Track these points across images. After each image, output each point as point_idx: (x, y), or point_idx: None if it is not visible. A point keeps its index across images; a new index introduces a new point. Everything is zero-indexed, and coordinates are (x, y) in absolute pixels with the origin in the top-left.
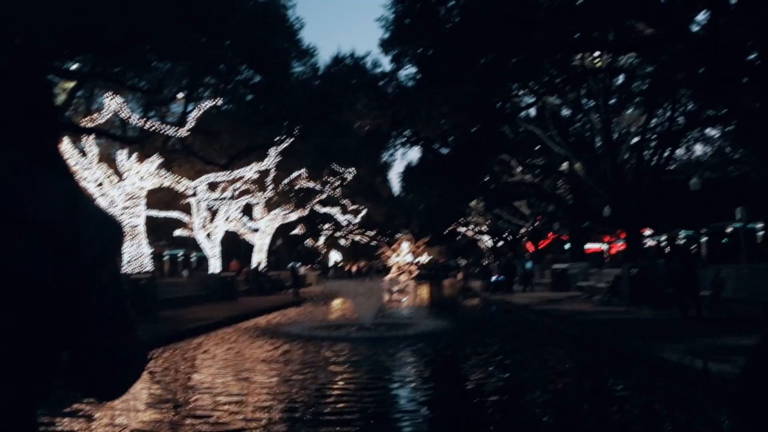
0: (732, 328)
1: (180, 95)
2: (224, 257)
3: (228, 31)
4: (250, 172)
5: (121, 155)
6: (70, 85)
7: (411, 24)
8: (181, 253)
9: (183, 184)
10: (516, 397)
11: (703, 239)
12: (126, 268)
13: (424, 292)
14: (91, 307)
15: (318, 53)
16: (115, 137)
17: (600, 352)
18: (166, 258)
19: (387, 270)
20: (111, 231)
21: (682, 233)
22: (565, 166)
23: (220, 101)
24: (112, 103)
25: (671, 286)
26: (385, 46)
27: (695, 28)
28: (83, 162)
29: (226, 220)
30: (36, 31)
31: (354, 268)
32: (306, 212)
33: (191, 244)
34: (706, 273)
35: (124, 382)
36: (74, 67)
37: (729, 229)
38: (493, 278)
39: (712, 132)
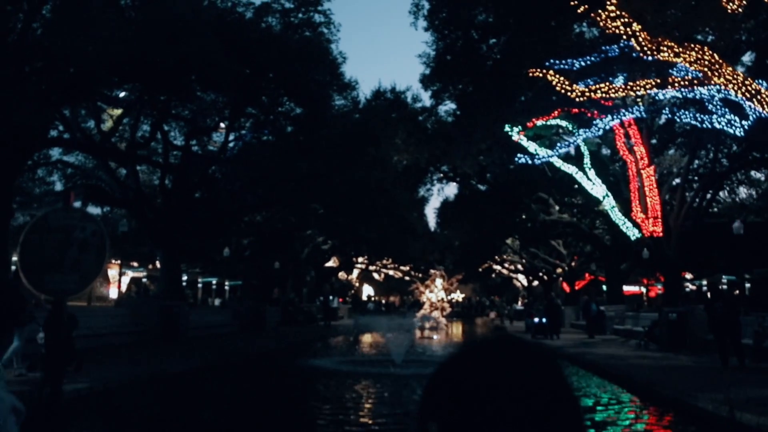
0: None
1: (222, 125)
2: (260, 287)
3: (272, 63)
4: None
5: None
6: (117, 112)
7: (452, 61)
8: (215, 280)
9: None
10: None
11: (747, 285)
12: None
13: (456, 330)
14: None
15: (359, 86)
16: (158, 164)
17: (631, 397)
18: (200, 285)
19: (419, 306)
20: None
21: (724, 278)
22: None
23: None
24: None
25: (711, 332)
26: (426, 81)
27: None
28: None
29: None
30: (88, 59)
31: (385, 303)
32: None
33: (225, 271)
34: (748, 321)
35: None
36: (122, 95)
37: None
38: (535, 320)
39: (757, 174)
